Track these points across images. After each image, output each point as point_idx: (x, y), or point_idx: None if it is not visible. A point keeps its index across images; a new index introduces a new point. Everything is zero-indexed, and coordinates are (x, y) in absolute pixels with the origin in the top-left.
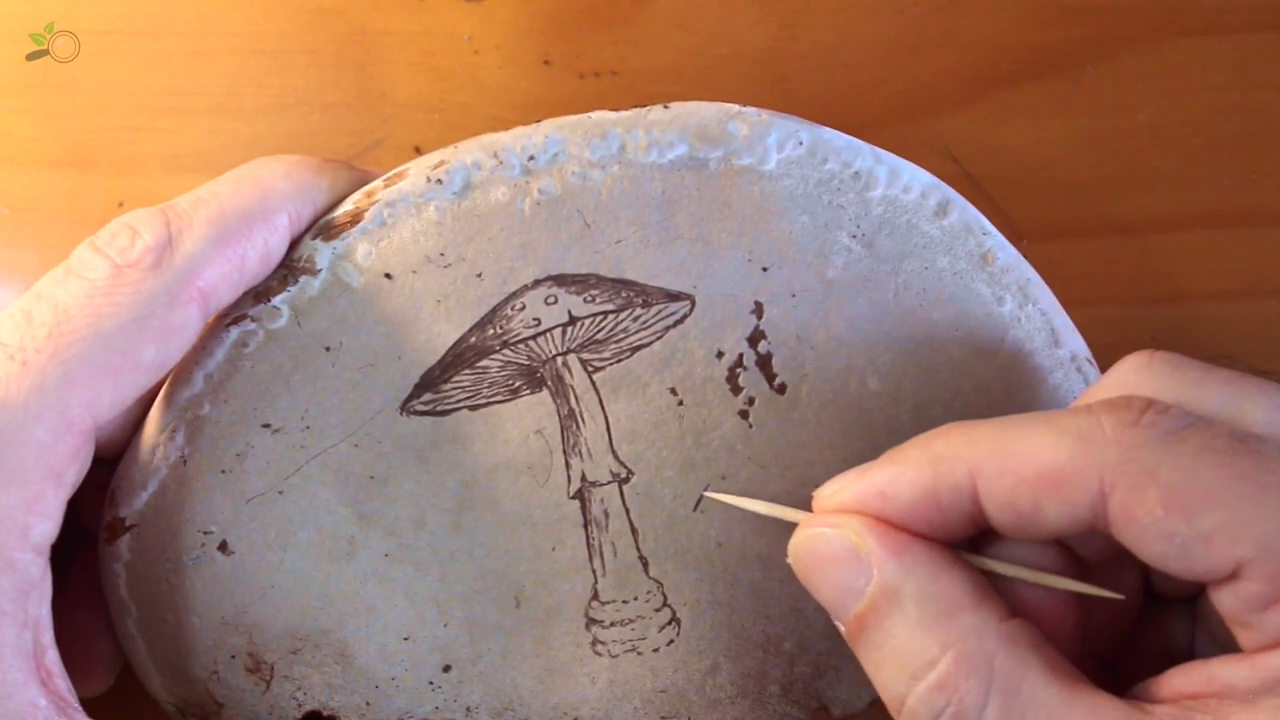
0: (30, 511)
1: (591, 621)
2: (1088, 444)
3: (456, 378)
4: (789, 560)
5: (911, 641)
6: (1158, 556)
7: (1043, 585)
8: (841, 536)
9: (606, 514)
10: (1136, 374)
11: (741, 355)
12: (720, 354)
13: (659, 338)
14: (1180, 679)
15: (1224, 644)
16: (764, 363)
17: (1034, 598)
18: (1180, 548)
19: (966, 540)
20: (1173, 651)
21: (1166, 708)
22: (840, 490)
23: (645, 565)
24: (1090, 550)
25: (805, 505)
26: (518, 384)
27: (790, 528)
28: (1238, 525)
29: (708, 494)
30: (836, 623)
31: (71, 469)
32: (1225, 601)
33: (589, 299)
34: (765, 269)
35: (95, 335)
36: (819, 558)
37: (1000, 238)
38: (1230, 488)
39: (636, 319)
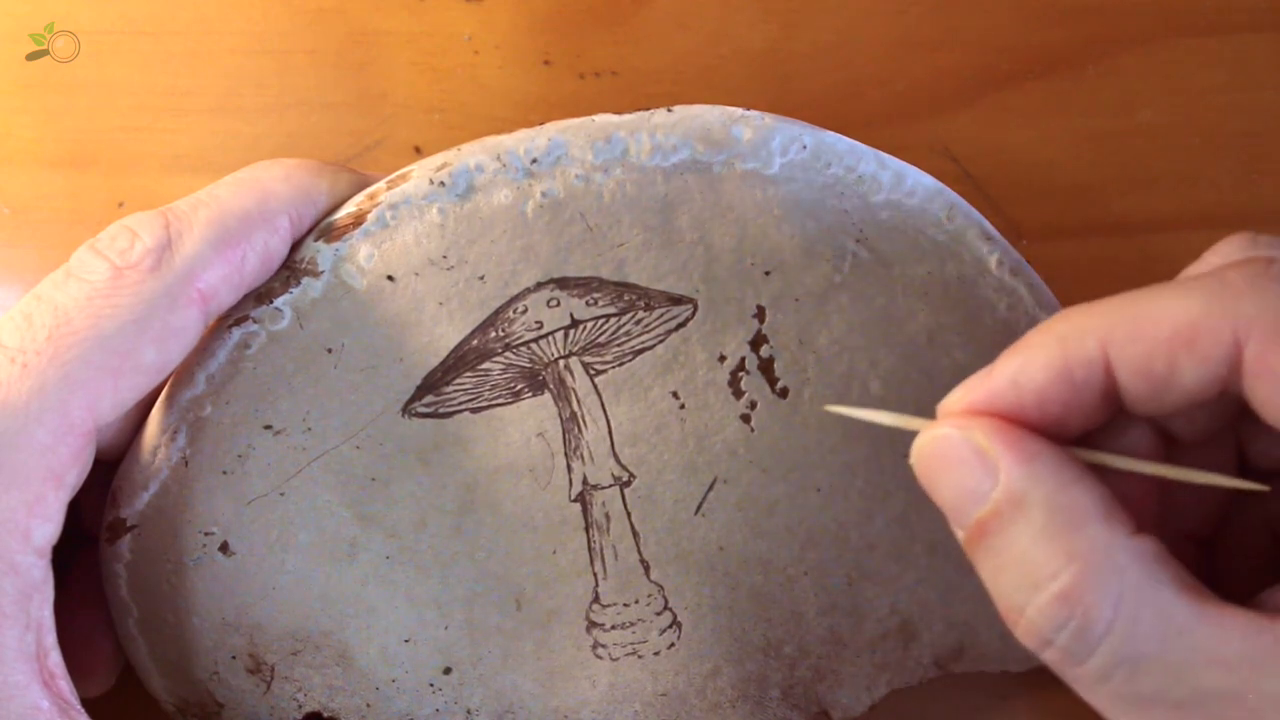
0: (32, 514)
1: (592, 624)
2: (1219, 298)
3: (458, 380)
4: (911, 462)
5: (1036, 550)
6: None
7: (1178, 479)
8: (968, 438)
9: (608, 517)
10: (1243, 249)
11: (744, 359)
12: (722, 358)
13: (661, 341)
14: None
15: None
16: (766, 366)
17: (1119, 485)
18: None
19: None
20: (1275, 528)
21: None
22: (968, 389)
23: (646, 569)
24: (1191, 428)
25: (807, 510)
26: (520, 386)
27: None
28: None
29: (830, 408)
30: (955, 529)
31: (72, 471)
32: None
33: (591, 302)
34: (768, 273)
35: (95, 337)
36: (943, 459)
37: (1003, 242)
38: None
39: (639, 322)
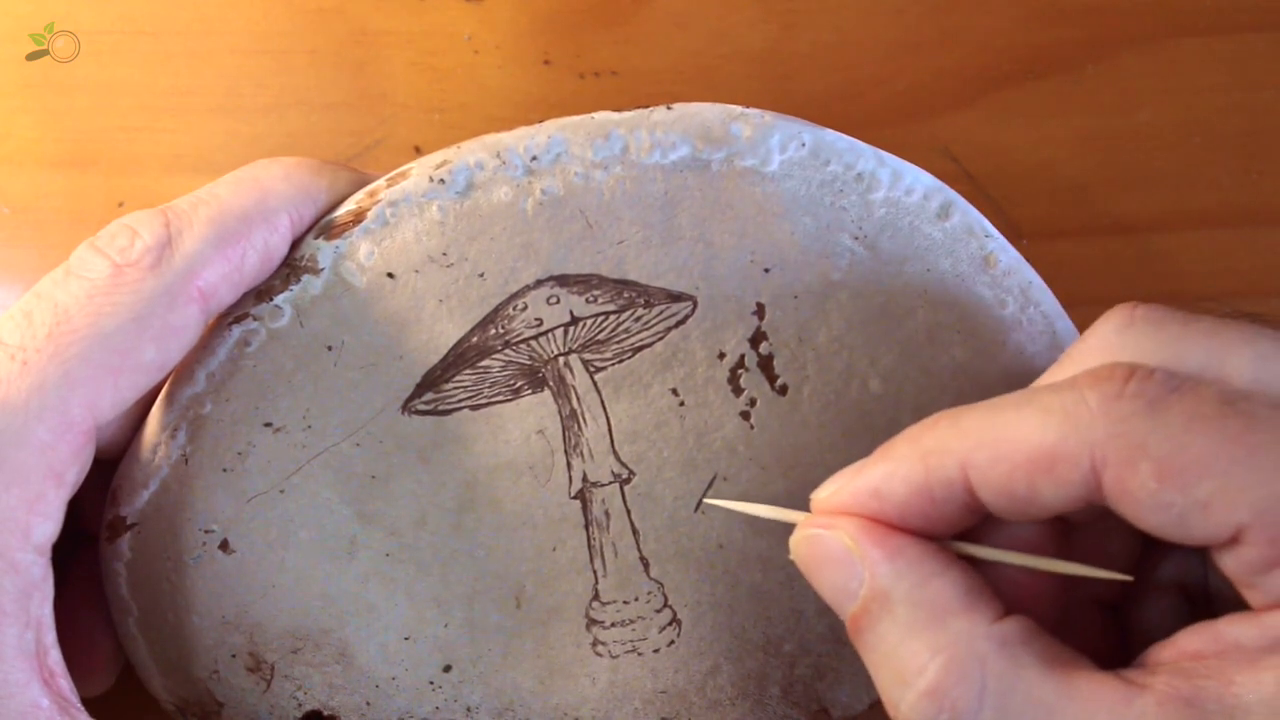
0: (32, 512)
1: (592, 622)
2: (1074, 422)
3: (458, 377)
4: (790, 557)
5: (902, 646)
6: (1156, 527)
7: (1041, 570)
8: (836, 538)
9: (608, 514)
10: (1119, 335)
11: (743, 356)
12: (722, 355)
13: (661, 338)
14: (1186, 639)
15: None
16: (766, 364)
17: (1020, 572)
18: (1178, 518)
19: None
20: (1182, 585)
21: (1166, 674)
22: (836, 491)
23: (646, 566)
24: (1083, 514)
25: (806, 507)
26: (519, 384)
27: (791, 529)
28: (1234, 491)
29: (708, 500)
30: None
31: (72, 469)
32: (1229, 565)
33: (591, 299)
34: (767, 270)
35: (95, 335)
36: (816, 558)
37: (1002, 240)
38: (1222, 453)
39: (638, 319)
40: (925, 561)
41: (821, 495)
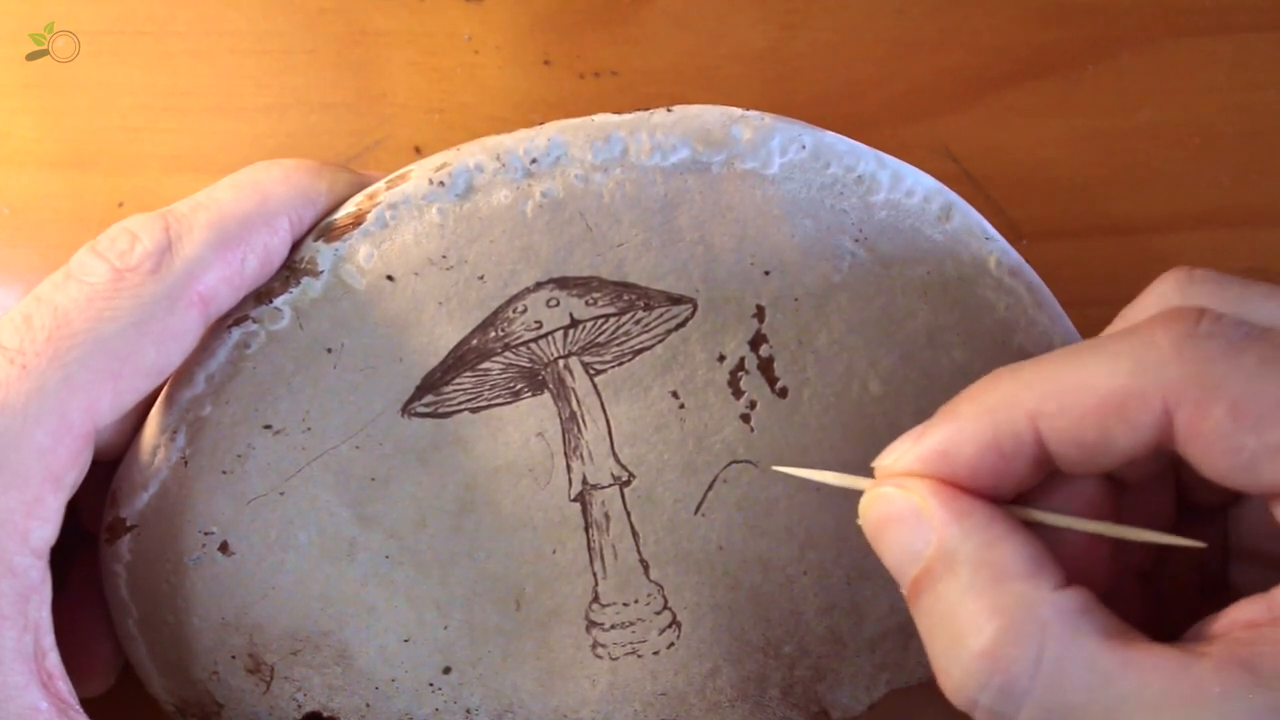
0: (30, 515)
1: (592, 624)
2: (1146, 363)
3: (458, 380)
4: (859, 522)
5: (961, 608)
6: (1223, 471)
7: (1105, 536)
8: (906, 498)
9: (607, 517)
10: (1179, 292)
11: (743, 359)
12: (722, 357)
13: (661, 341)
14: (1239, 611)
15: (1261, 554)
16: (766, 366)
17: (1079, 543)
18: (1248, 462)
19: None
20: (1203, 566)
21: (1222, 644)
22: (901, 455)
23: (646, 568)
24: (1134, 473)
25: (806, 509)
26: (519, 386)
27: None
28: None
29: (776, 468)
30: (902, 591)
31: (71, 472)
32: None
33: (591, 302)
34: (767, 273)
35: (95, 339)
36: (885, 519)
37: (1002, 242)
38: None
39: (638, 322)
40: (993, 524)
41: (886, 460)
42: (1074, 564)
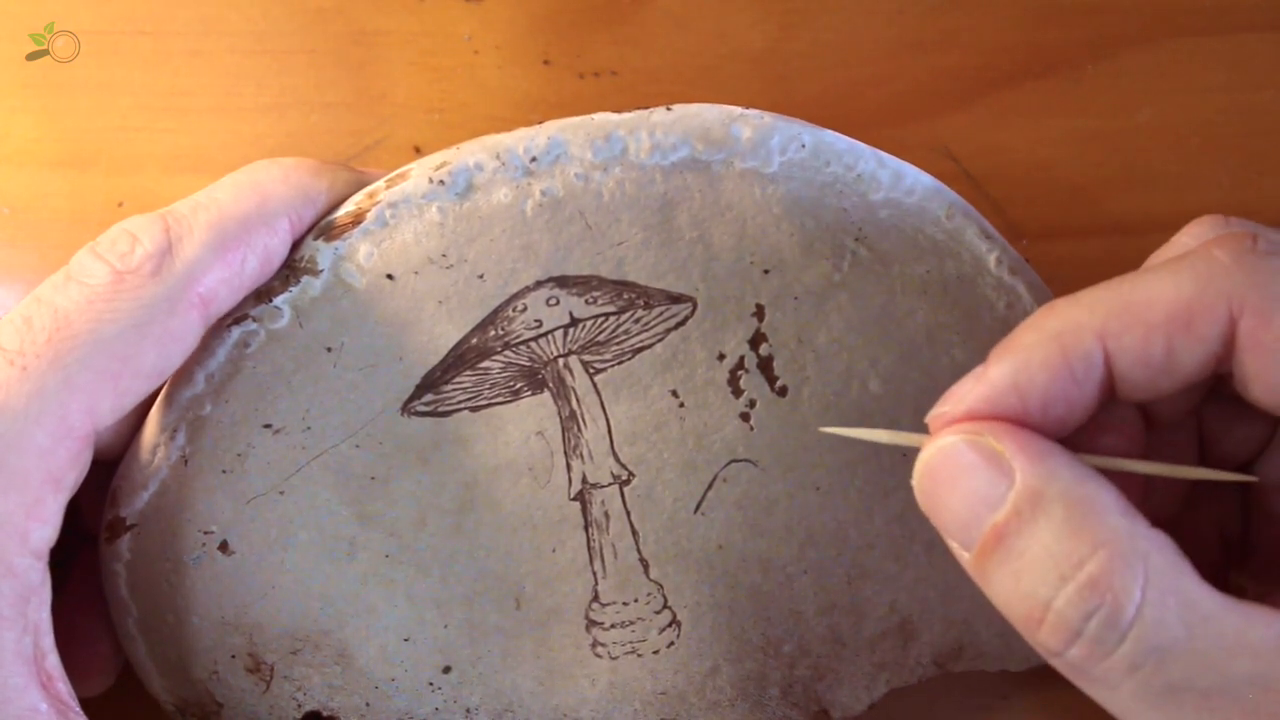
0: (30, 517)
1: (592, 623)
2: (1209, 276)
3: (458, 379)
4: (913, 482)
5: (1059, 544)
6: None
7: (1175, 477)
8: (978, 444)
9: (607, 516)
10: (1215, 230)
11: (743, 357)
12: (721, 356)
13: (660, 340)
14: None
15: None
16: (765, 365)
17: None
18: None
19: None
20: (1222, 528)
21: None
22: (964, 396)
23: (646, 567)
24: (1172, 409)
25: (806, 508)
26: (519, 385)
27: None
28: None
29: (824, 429)
30: (958, 547)
31: (70, 474)
32: None
33: (590, 301)
34: (767, 271)
35: (95, 341)
36: (951, 470)
37: (1002, 241)
38: None
39: (638, 321)
40: (1075, 465)
41: (944, 408)
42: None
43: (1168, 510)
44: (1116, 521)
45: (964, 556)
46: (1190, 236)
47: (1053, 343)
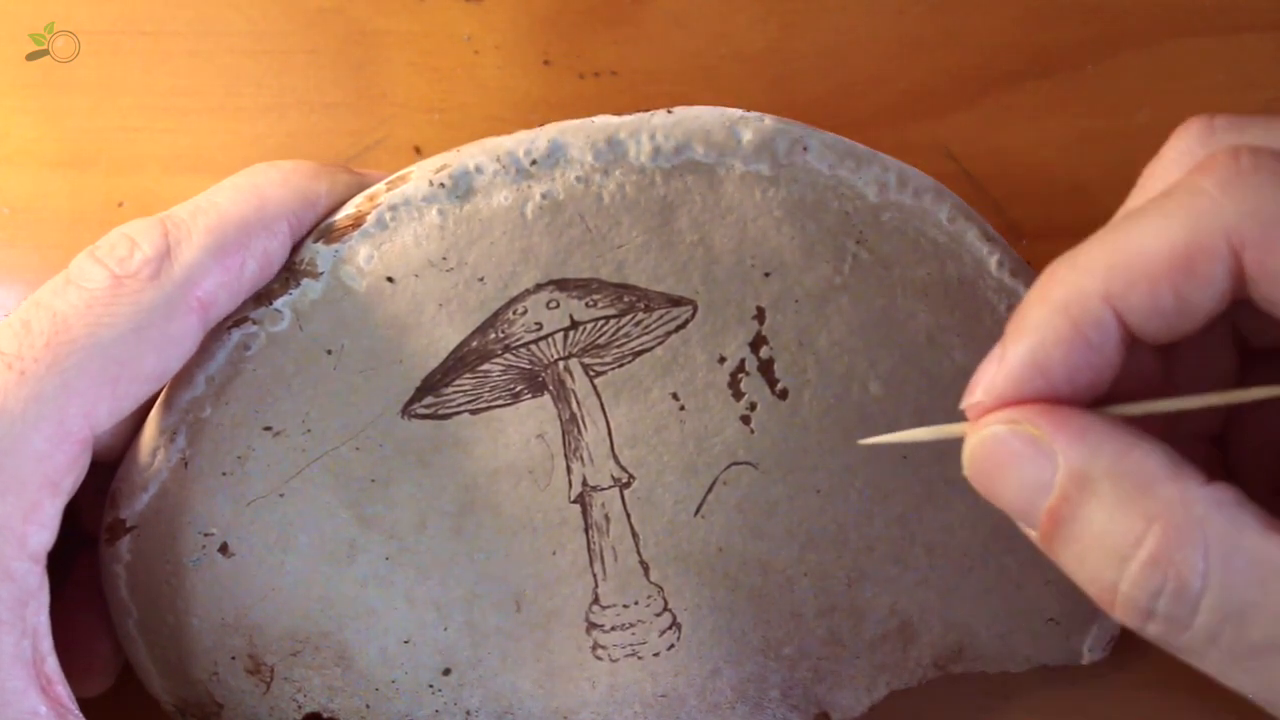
0: (28, 520)
1: (592, 626)
2: (1200, 213)
3: (458, 381)
4: (965, 474)
5: (1113, 523)
6: None
7: (1202, 406)
8: (1017, 431)
9: (607, 518)
10: (1202, 143)
11: (743, 360)
12: (722, 359)
13: (661, 342)
14: None
15: None
16: (766, 368)
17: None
18: None
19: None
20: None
21: None
22: (991, 385)
23: (646, 570)
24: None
25: (806, 511)
26: (519, 388)
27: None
28: None
29: (862, 441)
30: (1027, 530)
31: (68, 478)
32: None
33: (591, 303)
34: (767, 274)
35: (94, 345)
36: (999, 460)
37: (1003, 243)
38: None
39: (638, 324)
40: (1117, 434)
41: (976, 397)
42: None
43: (1215, 421)
44: (1167, 490)
45: (1033, 535)
46: (1176, 153)
47: (1061, 316)
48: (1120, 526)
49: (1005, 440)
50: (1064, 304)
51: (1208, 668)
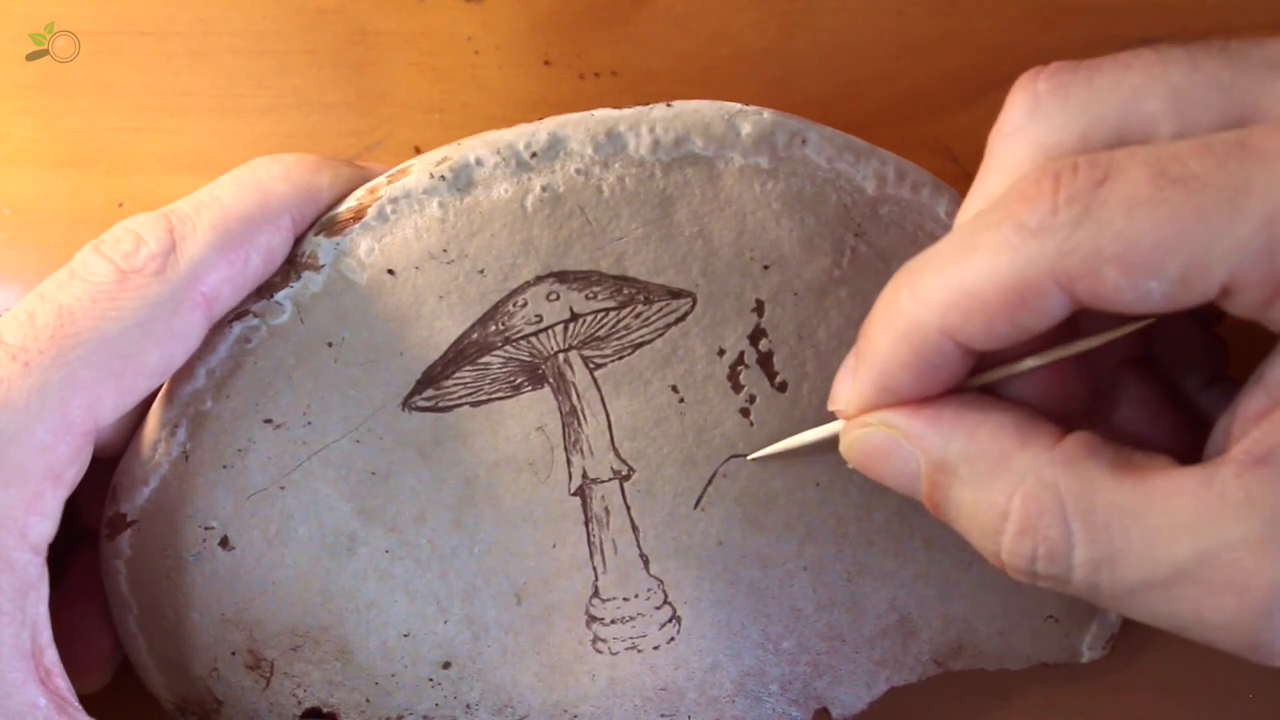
0: (29, 511)
1: (592, 619)
2: (1024, 253)
3: (458, 374)
4: (851, 467)
5: (979, 501)
6: (1148, 311)
7: (1051, 360)
8: (878, 433)
9: (607, 511)
10: (1030, 121)
11: (743, 353)
12: (721, 351)
13: (660, 335)
14: (1245, 405)
15: None
16: (765, 361)
17: (1048, 378)
18: (1163, 297)
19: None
20: (1202, 318)
21: (1240, 445)
22: (848, 401)
23: (646, 563)
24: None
25: (805, 505)
26: (519, 380)
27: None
28: (1201, 258)
29: (749, 457)
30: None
31: (70, 470)
32: (1235, 309)
33: (591, 296)
34: (767, 267)
35: (98, 338)
36: (871, 455)
37: None
38: (1174, 228)
39: (638, 316)
40: (965, 415)
41: (839, 406)
42: (1047, 399)
43: (1136, 347)
44: (1019, 461)
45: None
46: (1009, 126)
47: (904, 343)
48: (985, 504)
49: (870, 439)
50: (905, 333)
51: (1116, 610)
